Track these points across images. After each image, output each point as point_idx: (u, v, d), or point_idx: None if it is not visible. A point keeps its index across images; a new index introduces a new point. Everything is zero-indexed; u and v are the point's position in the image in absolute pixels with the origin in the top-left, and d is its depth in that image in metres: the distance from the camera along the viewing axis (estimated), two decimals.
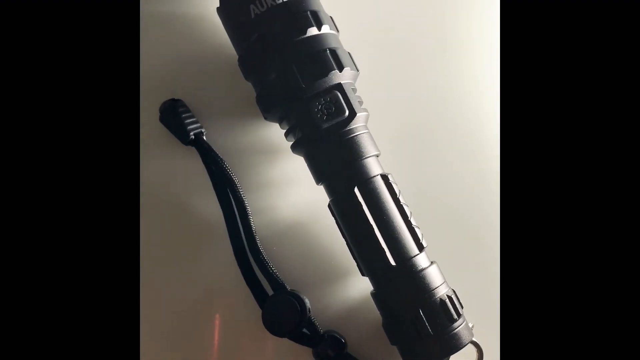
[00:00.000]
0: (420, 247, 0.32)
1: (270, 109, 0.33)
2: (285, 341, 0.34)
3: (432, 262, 0.32)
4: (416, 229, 0.32)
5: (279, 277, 0.35)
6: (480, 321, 0.34)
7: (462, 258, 0.38)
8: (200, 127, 0.37)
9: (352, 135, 0.32)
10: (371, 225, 0.31)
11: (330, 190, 0.33)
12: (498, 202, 0.37)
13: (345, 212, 0.32)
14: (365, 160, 0.32)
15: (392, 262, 0.31)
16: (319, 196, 0.34)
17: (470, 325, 0.32)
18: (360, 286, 0.36)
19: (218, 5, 0.34)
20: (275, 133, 0.37)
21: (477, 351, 0.33)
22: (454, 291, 0.32)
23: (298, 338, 0.34)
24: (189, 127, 0.36)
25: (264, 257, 0.35)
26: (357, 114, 0.32)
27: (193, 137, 0.36)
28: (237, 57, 0.34)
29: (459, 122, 0.40)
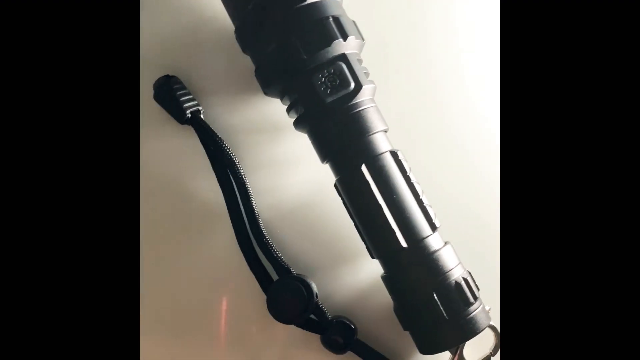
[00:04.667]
0: (433, 227, 0.30)
1: (270, 83, 0.31)
2: (292, 328, 0.33)
3: (445, 243, 0.31)
4: (428, 208, 0.30)
5: (283, 261, 0.33)
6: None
7: (472, 240, 0.36)
8: (197, 104, 0.35)
9: (358, 109, 0.30)
10: (380, 205, 0.29)
11: (336, 169, 0.31)
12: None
13: (352, 191, 0.31)
14: (373, 136, 0.30)
15: (404, 244, 0.29)
16: (325, 175, 0.32)
17: (487, 308, 0.31)
18: (370, 269, 0.35)
19: None
20: (276, 109, 0.35)
21: (495, 335, 0.32)
22: (470, 273, 0.31)
23: (305, 325, 0.33)
24: (185, 105, 0.34)
25: (267, 241, 0.34)
26: (363, 87, 0.30)
27: (190, 115, 0.34)
28: (233, 28, 0.32)
29: (470, 96, 0.38)
